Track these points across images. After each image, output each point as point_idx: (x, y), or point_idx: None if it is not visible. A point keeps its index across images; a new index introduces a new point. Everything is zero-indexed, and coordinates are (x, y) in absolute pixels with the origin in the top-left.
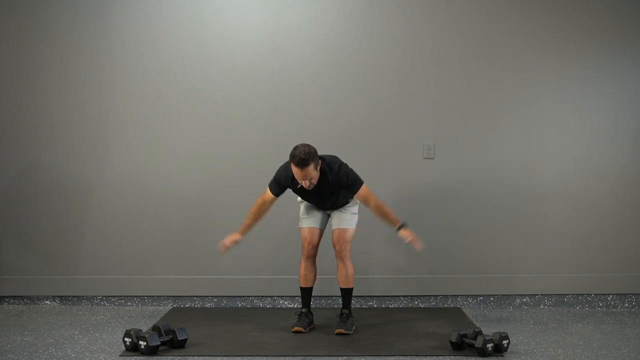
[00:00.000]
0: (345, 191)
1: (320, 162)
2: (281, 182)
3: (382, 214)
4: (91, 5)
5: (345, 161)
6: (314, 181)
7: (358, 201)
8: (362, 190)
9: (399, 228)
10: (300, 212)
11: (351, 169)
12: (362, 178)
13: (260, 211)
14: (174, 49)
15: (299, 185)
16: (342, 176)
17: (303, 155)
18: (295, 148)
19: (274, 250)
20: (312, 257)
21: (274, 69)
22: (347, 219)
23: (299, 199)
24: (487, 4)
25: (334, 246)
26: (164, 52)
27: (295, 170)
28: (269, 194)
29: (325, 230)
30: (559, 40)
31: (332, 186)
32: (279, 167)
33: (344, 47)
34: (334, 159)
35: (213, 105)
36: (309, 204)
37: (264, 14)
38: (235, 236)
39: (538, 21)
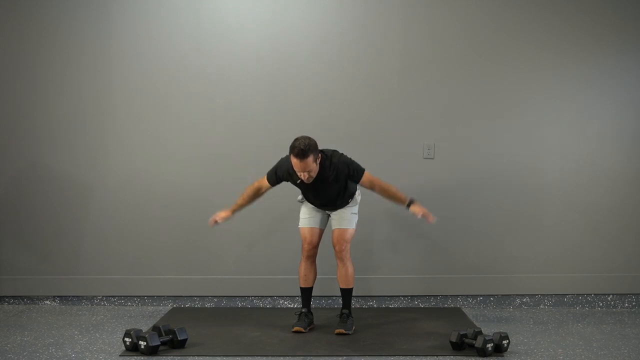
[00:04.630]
0: (347, 185)
1: (320, 155)
2: (279, 174)
3: (390, 195)
4: (91, 5)
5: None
6: (313, 174)
7: (358, 201)
8: (366, 177)
9: (409, 205)
10: (301, 212)
11: (350, 159)
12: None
13: (255, 195)
14: (173, 50)
15: (299, 180)
16: (342, 168)
17: (303, 147)
18: (296, 139)
19: (273, 250)
20: (312, 257)
21: (274, 70)
22: (347, 219)
23: (300, 198)
24: (488, 4)
25: (334, 246)
26: (164, 53)
27: (294, 161)
28: (265, 181)
29: (325, 231)
30: (560, 40)
31: (332, 181)
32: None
33: (344, 48)
34: (334, 152)
35: (213, 106)
36: (310, 204)
37: (264, 15)
38: (225, 213)
39: (539, 21)
